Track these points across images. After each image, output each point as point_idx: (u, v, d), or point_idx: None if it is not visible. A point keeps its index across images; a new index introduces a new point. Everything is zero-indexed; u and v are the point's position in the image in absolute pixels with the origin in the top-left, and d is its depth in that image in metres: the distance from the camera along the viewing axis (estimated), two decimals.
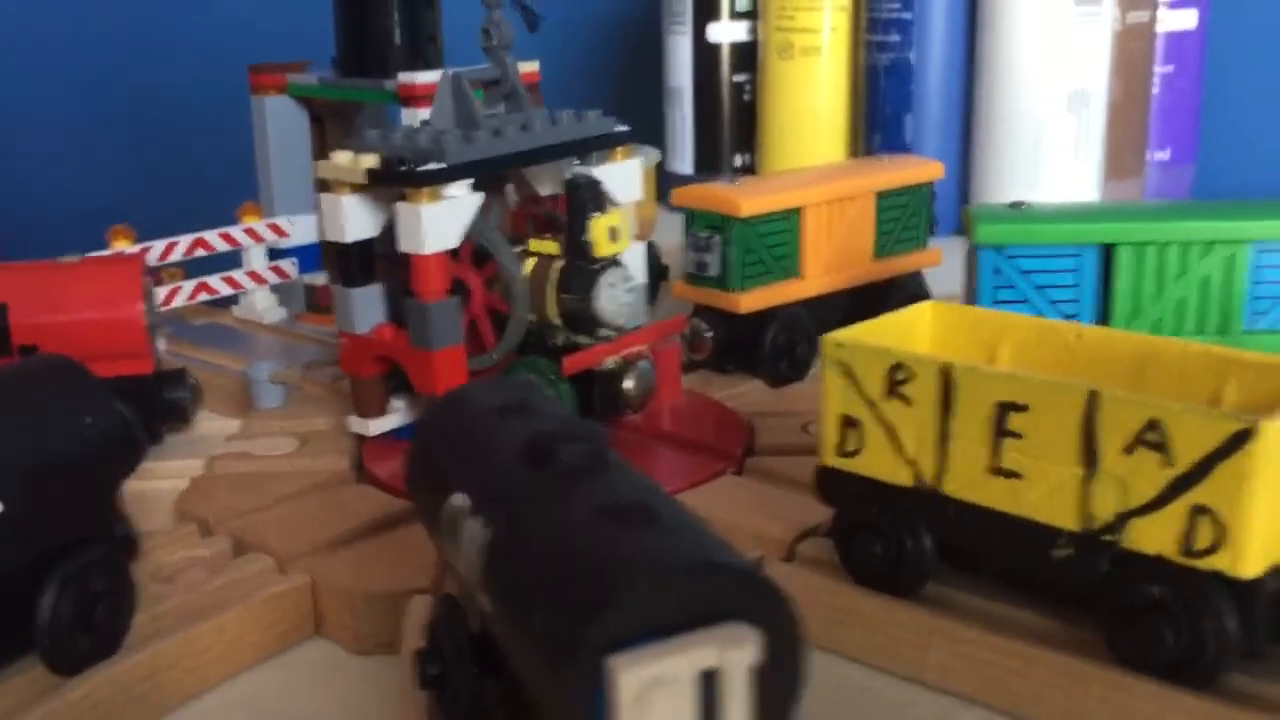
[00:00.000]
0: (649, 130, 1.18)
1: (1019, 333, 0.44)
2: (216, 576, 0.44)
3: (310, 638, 0.44)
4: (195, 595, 0.43)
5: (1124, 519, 0.35)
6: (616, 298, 0.52)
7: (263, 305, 0.76)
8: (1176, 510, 0.34)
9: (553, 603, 0.25)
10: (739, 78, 1.12)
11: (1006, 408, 0.37)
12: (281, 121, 0.82)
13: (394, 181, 0.50)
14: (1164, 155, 1.13)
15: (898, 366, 0.40)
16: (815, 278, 0.65)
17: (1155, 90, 1.10)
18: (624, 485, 0.28)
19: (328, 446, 0.56)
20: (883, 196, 0.67)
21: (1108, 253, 0.53)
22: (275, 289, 0.78)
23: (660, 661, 0.23)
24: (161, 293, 0.72)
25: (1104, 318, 0.53)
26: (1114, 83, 1.01)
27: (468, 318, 0.53)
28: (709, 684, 0.24)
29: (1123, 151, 1.06)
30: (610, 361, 0.53)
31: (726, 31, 1.11)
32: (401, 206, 0.50)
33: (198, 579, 0.44)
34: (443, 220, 0.50)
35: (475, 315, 0.54)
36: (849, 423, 0.41)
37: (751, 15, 1.10)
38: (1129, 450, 0.35)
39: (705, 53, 1.12)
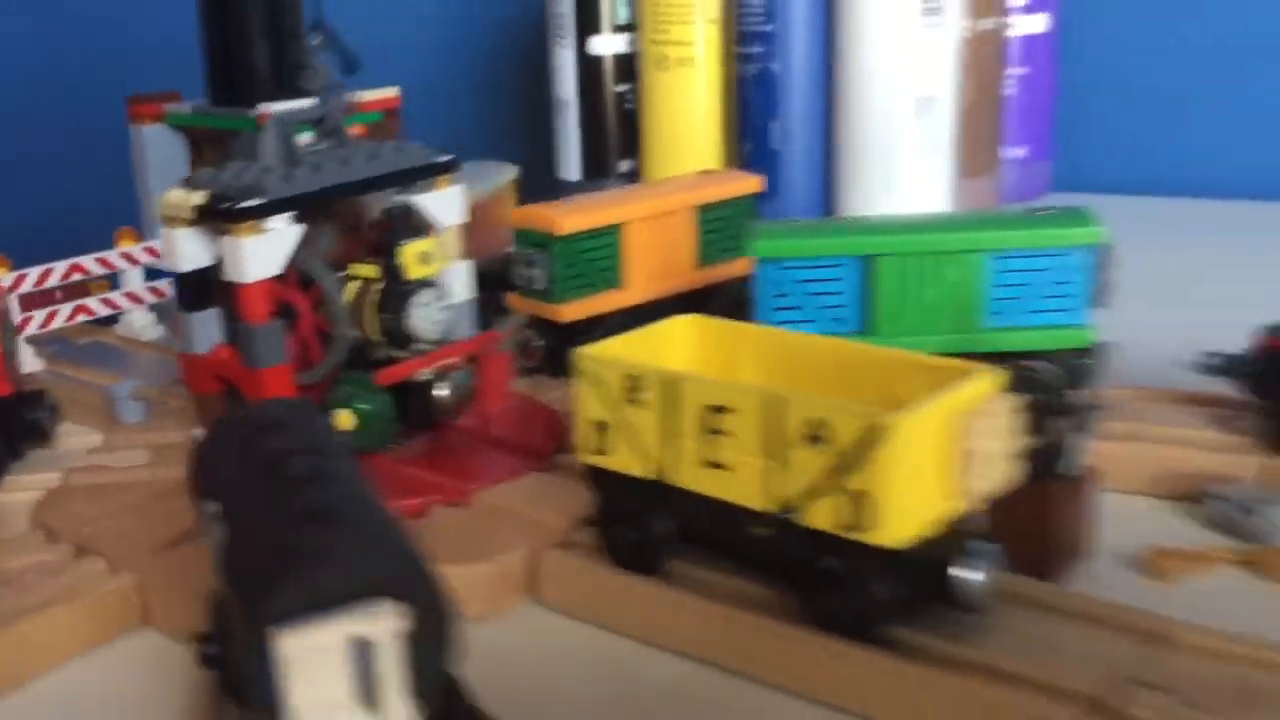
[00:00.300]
0: (540, 139, 1.24)
1: (759, 342, 0.50)
2: (54, 578, 0.50)
3: (139, 630, 0.50)
4: (30, 595, 0.48)
5: (803, 501, 0.42)
6: (429, 316, 0.58)
7: (141, 324, 0.82)
8: (840, 492, 0.41)
9: (246, 589, 0.31)
10: (621, 88, 1.18)
11: (714, 409, 0.44)
12: (159, 149, 0.87)
13: (218, 218, 0.56)
14: (1021, 152, 1.20)
15: (631, 376, 0.46)
16: (638, 287, 0.71)
17: (1010, 91, 1.17)
18: (334, 493, 0.34)
19: (179, 458, 0.61)
20: (704, 210, 0.73)
21: (870, 263, 0.59)
22: (154, 307, 0.83)
23: (314, 633, 0.29)
24: (40, 315, 0.78)
25: (869, 321, 0.59)
26: (966, 86, 1.08)
27: (298, 337, 0.59)
28: (364, 650, 0.30)
29: (977, 151, 1.13)
30: (425, 373, 0.59)
31: (608, 44, 1.17)
32: (225, 240, 0.56)
33: (36, 581, 0.49)
34: (263, 251, 0.56)
35: (304, 334, 0.59)
36: (600, 425, 0.47)
37: (631, 28, 1.16)
38: (802, 443, 0.41)
39: (588, 64, 1.18)
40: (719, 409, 0.43)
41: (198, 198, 0.56)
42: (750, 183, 0.76)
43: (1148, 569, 0.50)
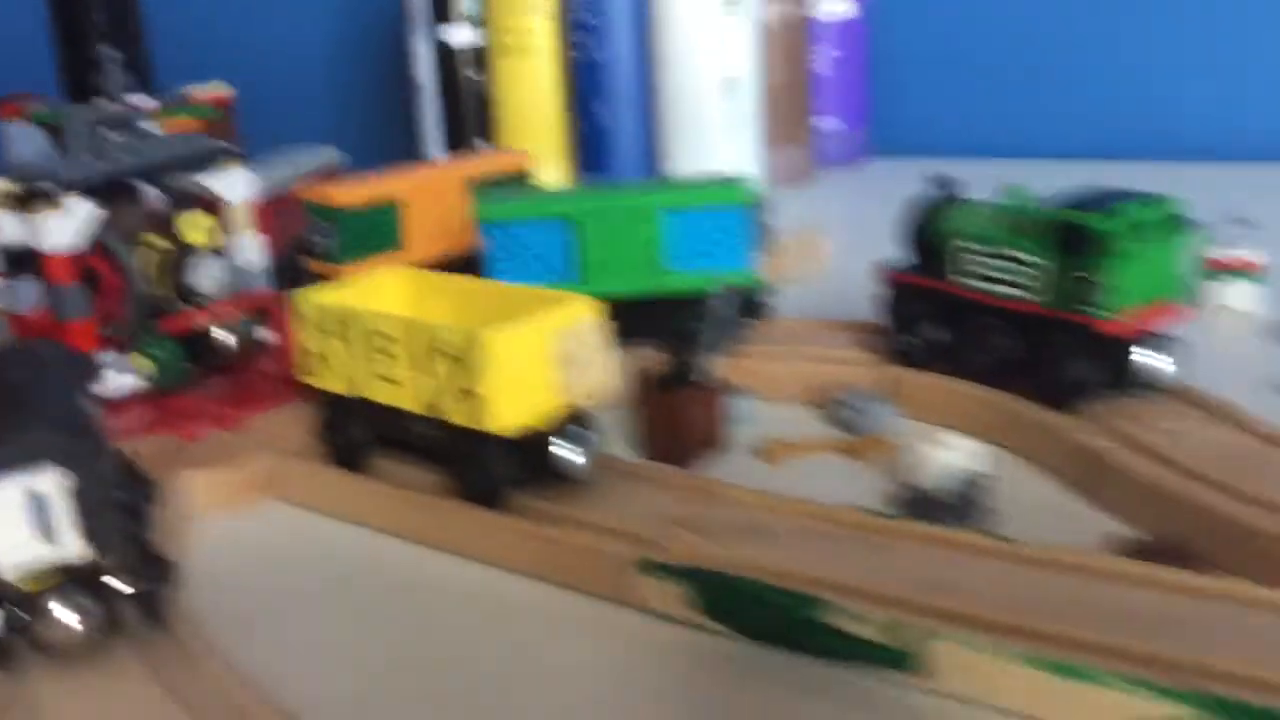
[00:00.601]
0: (405, 121, 1.36)
1: (445, 287, 0.63)
2: None
3: None
4: None
5: (443, 403, 0.54)
6: (209, 276, 0.71)
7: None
8: (465, 394, 0.53)
9: None
10: (475, 75, 1.29)
11: (383, 337, 0.56)
12: (25, 143, 0.98)
13: (25, 200, 0.68)
14: (837, 123, 1.33)
15: (329, 314, 0.58)
16: (416, 250, 0.83)
17: (825, 70, 1.30)
18: (38, 397, 0.46)
19: None
20: (474, 183, 0.85)
21: (573, 223, 0.71)
22: None
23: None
24: None
25: (577, 271, 0.72)
26: (774, 67, 1.20)
27: (103, 297, 0.71)
28: (40, 500, 0.42)
29: (789, 124, 1.26)
30: (211, 323, 0.71)
31: (460, 34, 1.28)
32: (30, 218, 0.68)
33: None
34: (63, 226, 0.68)
35: (108, 295, 0.71)
36: (313, 353, 0.60)
37: (479, 21, 1.27)
38: (438, 358, 0.54)
39: (444, 53, 1.29)
40: (386, 337, 0.56)
41: (7, 185, 0.68)
42: (517, 159, 0.88)
43: (762, 456, 0.63)
